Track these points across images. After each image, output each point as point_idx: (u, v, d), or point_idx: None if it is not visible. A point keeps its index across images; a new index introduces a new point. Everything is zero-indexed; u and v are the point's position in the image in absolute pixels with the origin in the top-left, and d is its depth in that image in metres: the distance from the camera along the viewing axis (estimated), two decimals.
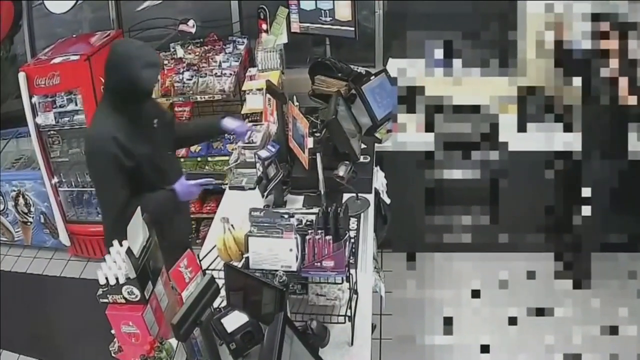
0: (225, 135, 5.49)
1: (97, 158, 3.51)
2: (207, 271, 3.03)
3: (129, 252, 2.68)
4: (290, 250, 2.82)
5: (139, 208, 2.91)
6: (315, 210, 3.12)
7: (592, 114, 4.31)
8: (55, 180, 5.73)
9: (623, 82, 4.20)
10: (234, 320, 2.72)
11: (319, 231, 2.86)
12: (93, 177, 3.73)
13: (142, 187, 3.56)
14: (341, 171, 3.84)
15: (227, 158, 5.14)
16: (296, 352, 2.40)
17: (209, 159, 5.68)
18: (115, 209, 3.49)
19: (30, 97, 5.38)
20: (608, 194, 4.48)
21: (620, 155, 4.37)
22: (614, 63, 4.17)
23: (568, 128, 4.41)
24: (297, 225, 2.94)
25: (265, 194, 3.83)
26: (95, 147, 3.54)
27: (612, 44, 4.16)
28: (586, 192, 4.46)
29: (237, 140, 4.25)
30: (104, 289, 2.72)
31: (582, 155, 4.40)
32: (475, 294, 4.91)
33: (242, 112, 4.93)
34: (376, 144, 4.63)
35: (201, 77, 5.50)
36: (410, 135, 4.60)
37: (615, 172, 4.38)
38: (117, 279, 2.69)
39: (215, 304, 2.80)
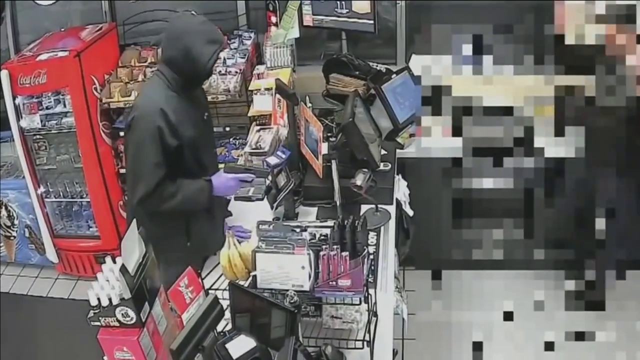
0: (230, 140, 5.52)
1: (139, 127, 3.55)
2: (210, 291, 3.03)
3: (123, 269, 2.68)
4: (303, 267, 2.82)
5: (134, 221, 2.92)
6: (330, 223, 3.11)
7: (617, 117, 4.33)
8: (41, 190, 5.75)
9: None
10: (240, 346, 2.71)
11: (335, 247, 2.85)
12: (129, 148, 3.74)
13: (179, 173, 3.62)
14: (359, 180, 3.83)
15: (232, 165, 5.14)
16: None
17: None
18: (143, 189, 3.52)
19: (14, 98, 5.41)
20: None
21: None
22: None
23: None
24: (310, 240, 2.93)
25: (275, 205, 3.84)
26: (139, 116, 3.58)
27: None
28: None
29: None
30: (96, 311, 2.71)
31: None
32: (508, 316, 4.91)
33: (249, 115, 4.94)
34: (398, 150, 4.65)
35: None
36: (436, 140, 4.58)
37: None
38: (110, 299, 2.68)
39: (219, 328, 2.80)
